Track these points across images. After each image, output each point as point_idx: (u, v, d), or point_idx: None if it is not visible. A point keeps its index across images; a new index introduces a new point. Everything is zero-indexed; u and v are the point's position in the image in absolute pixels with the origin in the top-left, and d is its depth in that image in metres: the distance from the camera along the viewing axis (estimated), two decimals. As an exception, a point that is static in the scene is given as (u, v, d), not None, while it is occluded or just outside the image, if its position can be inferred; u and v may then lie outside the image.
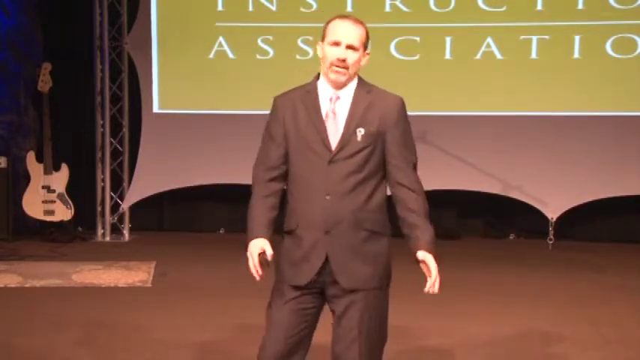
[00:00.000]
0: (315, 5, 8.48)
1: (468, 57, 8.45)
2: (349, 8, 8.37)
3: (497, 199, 8.65)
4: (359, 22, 3.32)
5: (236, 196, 9.04)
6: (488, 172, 8.49)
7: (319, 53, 3.35)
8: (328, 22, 3.33)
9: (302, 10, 8.53)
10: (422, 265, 3.25)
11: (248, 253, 3.29)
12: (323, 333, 3.50)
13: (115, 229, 9.13)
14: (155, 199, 9.09)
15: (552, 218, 8.52)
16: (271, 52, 8.65)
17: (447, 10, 8.43)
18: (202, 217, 9.41)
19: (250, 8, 8.65)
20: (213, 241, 8.93)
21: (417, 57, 8.47)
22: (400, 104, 3.36)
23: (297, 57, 8.54)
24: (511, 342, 5.40)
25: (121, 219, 9.14)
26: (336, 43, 3.27)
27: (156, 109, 8.84)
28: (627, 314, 6.09)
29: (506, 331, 5.64)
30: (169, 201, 9.32)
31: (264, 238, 3.30)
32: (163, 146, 8.84)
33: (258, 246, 3.28)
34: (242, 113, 8.57)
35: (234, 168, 8.72)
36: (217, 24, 8.71)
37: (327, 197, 3.28)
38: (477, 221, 9.15)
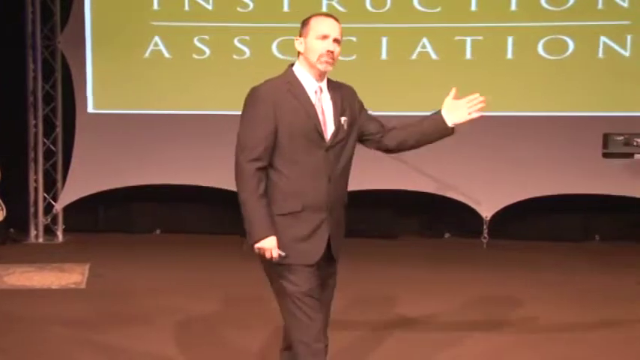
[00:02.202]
0: (251, 5, 8.46)
1: (403, 57, 8.51)
2: (286, 8, 8.39)
3: (432, 198, 8.72)
4: (338, 20, 3.71)
5: (172, 197, 9.02)
6: (424, 171, 8.55)
7: (299, 48, 3.63)
8: (309, 19, 3.65)
9: (238, 9, 8.50)
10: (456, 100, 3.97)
11: (259, 248, 3.52)
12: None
13: (49, 231, 8.99)
14: (90, 200, 8.96)
15: (486, 217, 8.64)
16: (207, 51, 8.59)
17: (382, 10, 8.48)
18: (138, 218, 9.33)
19: (186, 7, 8.58)
20: (148, 242, 8.87)
21: (353, 57, 8.48)
22: (354, 90, 3.81)
23: (234, 57, 8.51)
24: (448, 340, 5.45)
25: (54, 220, 9.00)
26: (325, 37, 3.59)
27: (90, 109, 8.72)
28: (561, 311, 6.21)
29: (440, 331, 5.72)
30: (104, 202, 9.20)
31: (274, 235, 3.54)
32: (98, 146, 8.73)
33: (274, 244, 3.52)
34: (178, 113, 8.50)
35: (169, 168, 8.66)
36: (153, 23, 8.63)
37: (330, 180, 3.59)
38: (413, 220, 9.23)
